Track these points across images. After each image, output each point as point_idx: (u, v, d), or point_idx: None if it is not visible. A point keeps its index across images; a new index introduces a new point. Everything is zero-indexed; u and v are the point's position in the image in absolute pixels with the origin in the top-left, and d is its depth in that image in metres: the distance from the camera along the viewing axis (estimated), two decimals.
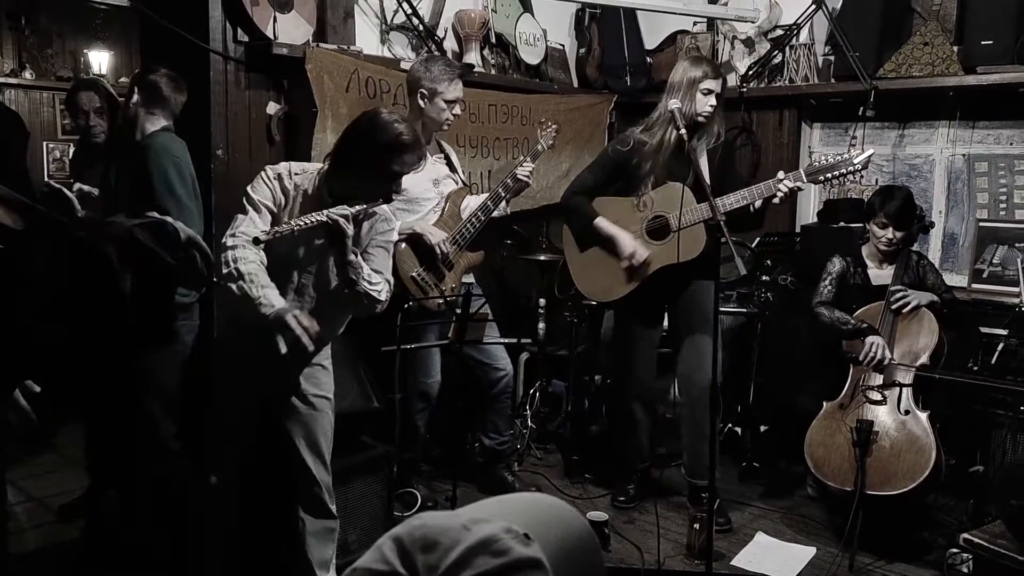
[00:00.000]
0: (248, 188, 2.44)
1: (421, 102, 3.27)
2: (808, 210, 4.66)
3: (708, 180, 3.09)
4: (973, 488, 3.33)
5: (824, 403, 3.38)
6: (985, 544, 2.53)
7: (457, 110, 3.34)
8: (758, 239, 4.21)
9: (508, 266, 4.50)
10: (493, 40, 4.41)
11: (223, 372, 2.63)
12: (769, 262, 4.12)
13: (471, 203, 3.48)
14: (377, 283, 2.46)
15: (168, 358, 2.83)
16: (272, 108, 3.40)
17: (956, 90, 3.99)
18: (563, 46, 4.98)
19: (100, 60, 6.92)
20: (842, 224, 4.10)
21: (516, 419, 4.16)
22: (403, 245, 3.28)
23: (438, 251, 3.28)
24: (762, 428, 4.25)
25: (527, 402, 4.32)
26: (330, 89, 3.40)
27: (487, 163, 4.25)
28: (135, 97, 2.84)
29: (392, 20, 3.90)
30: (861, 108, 4.06)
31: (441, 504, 3.49)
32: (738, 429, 4.13)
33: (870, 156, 3.06)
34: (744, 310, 4.11)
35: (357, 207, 2.35)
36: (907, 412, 3.18)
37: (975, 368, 3.52)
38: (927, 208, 4.15)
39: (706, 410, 3.33)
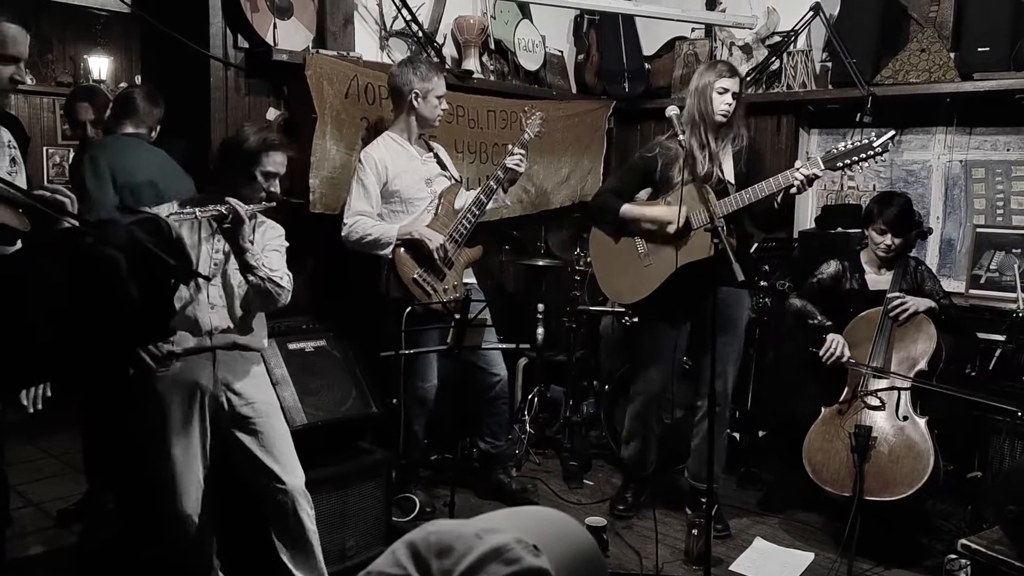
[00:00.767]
0: None
1: (416, 103, 3.32)
2: (806, 216, 4.67)
3: (733, 181, 3.18)
4: (971, 494, 3.33)
5: (823, 408, 3.38)
6: (983, 550, 2.53)
7: (445, 104, 3.41)
8: (756, 245, 4.22)
9: (506, 271, 4.50)
10: (492, 46, 4.42)
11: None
12: (767, 268, 4.13)
13: (465, 199, 3.50)
14: (277, 270, 2.57)
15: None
16: (272, 114, 3.41)
17: (953, 96, 4.00)
18: (562, 52, 4.99)
19: (100, 66, 6.93)
20: (840, 230, 4.11)
21: (515, 424, 4.16)
22: (401, 250, 3.29)
23: (436, 255, 3.29)
24: (760, 434, 4.25)
25: (526, 407, 4.32)
26: (330, 95, 3.41)
27: (486, 169, 4.26)
28: (108, 111, 3.07)
29: (391, 27, 3.91)
30: (859, 114, 4.07)
31: (439, 509, 3.49)
32: (737, 435, 4.13)
33: (891, 137, 3.02)
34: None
35: (249, 206, 2.49)
36: (905, 418, 3.19)
37: (973, 374, 3.52)
38: (924, 214, 4.16)
39: (724, 419, 3.38)
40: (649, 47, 5.04)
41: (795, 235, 4.55)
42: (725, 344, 3.30)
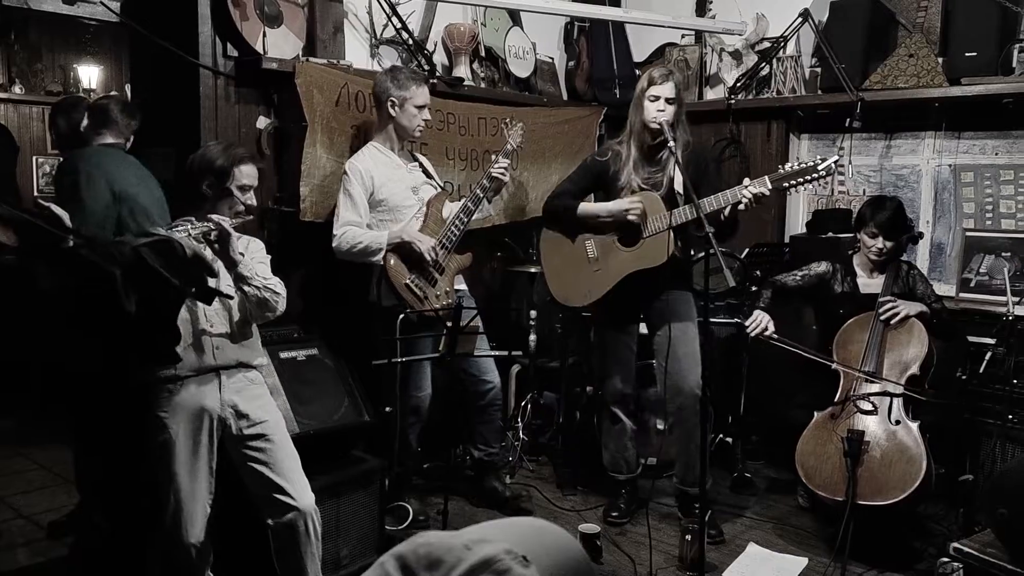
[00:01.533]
0: None
1: (392, 111, 3.32)
2: (797, 221, 4.69)
3: (680, 189, 3.16)
4: (963, 497, 3.34)
5: (815, 413, 3.39)
6: (975, 553, 2.54)
7: (427, 115, 3.40)
8: (747, 250, 4.23)
9: (498, 278, 4.50)
10: (483, 53, 4.43)
11: None
12: (758, 272, 4.14)
13: (452, 207, 3.51)
14: (270, 278, 2.61)
15: None
16: (262, 123, 3.41)
17: (941, 101, 4.03)
18: (552, 59, 5.00)
19: (90, 75, 6.92)
20: (830, 234, 4.13)
21: (508, 431, 4.16)
22: (392, 256, 3.29)
23: (428, 257, 3.30)
24: (753, 438, 4.26)
25: (518, 414, 4.32)
26: (320, 103, 3.41)
27: (477, 176, 4.25)
28: (85, 121, 3.06)
29: (382, 34, 3.92)
30: (848, 119, 4.09)
31: (432, 518, 3.48)
32: (729, 439, 4.13)
33: (834, 162, 3.07)
34: (734, 320, 4.12)
35: (232, 221, 2.51)
36: (898, 422, 3.19)
37: (963, 377, 3.53)
38: (914, 218, 4.18)
39: (695, 418, 3.34)
40: (639, 54, 5.05)
41: (786, 240, 4.56)
42: (681, 343, 3.33)
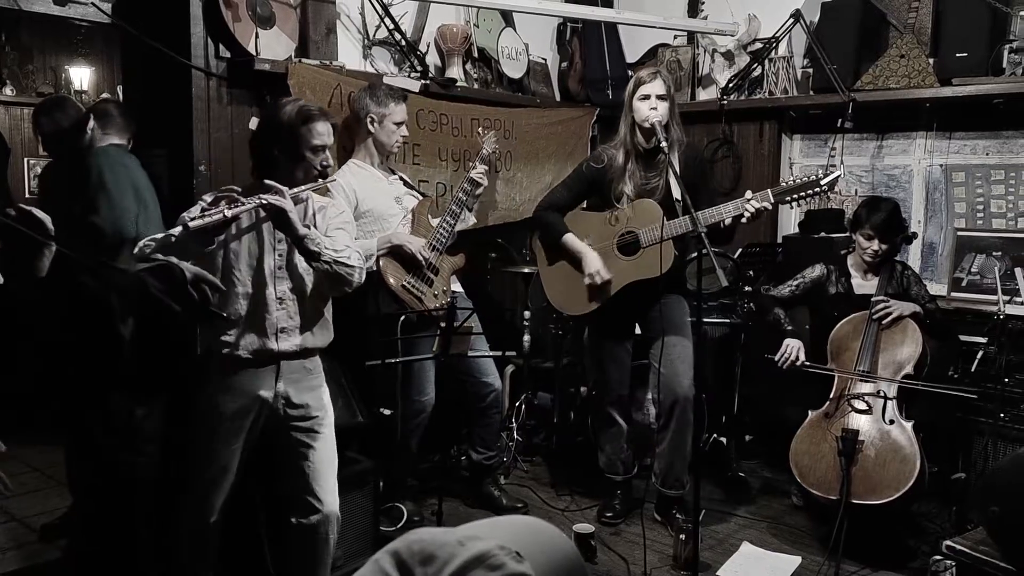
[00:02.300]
0: None
1: (371, 127, 3.37)
2: (790, 221, 4.70)
3: (677, 194, 3.08)
4: (955, 495, 3.36)
5: (809, 412, 3.40)
6: (967, 551, 2.55)
7: (404, 131, 3.45)
8: (740, 250, 4.24)
9: (493, 279, 4.50)
10: (475, 54, 4.43)
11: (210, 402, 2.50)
12: (751, 273, 4.15)
13: (437, 214, 3.56)
14: (343, 250, 2.40)
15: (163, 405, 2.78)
16: (255, 124, 3.39)
17: (932, 102, 4.05)
18: (545, 60, 5.01)
19: (81, 76, 6.89)
20: (823, 234, 4.14)
21: (502, 432, 4.16)
22: (385, 261, 3.30)
23: (420, 257, 3.32)
24: (747, 438, 4.26)
25: (513, 415, 4.32)
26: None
27: None
28: (91, 123, 3.00)
29: (374, 36, 3.91)
30: (840, 120, 4.11)
31: (427, 519, 3.48)
32: (723, 439, 4.14)
33: (837, 177, 3.08)
34: (727, 321, 4.13)
35: (296, 189, 2.34)
36: (892, 422, 3.20)
37: (955, 376, 3.55)
38: (906, 218, 4.18)
39: (687, 420, 3.35)
40: (632, 54, 5.06)
41: (779, 240, 4.58)
42: (675, 346, 3.33)
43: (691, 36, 4.87)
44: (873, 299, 3.43)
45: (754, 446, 4.29)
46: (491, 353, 3.55)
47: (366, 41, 3.91)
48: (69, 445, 3.25)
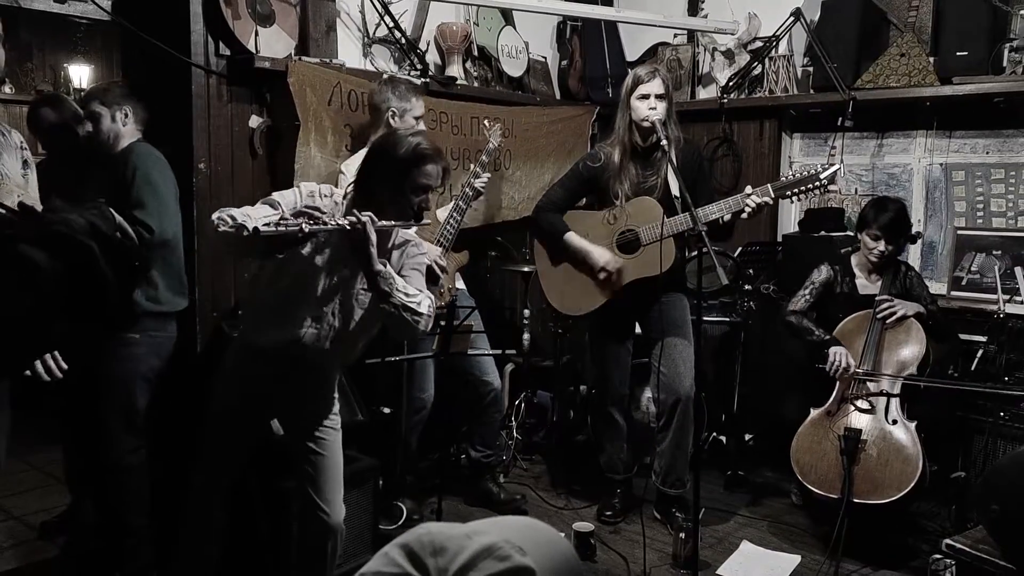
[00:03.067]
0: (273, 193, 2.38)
1: (393, 121, 3.33)
2: (790, 219, 4.70)
3: (677, 192, 3.07)
4: (955, 494, 3.36)
5: (811, 410, 3.40)
6: (967, 550, 2.55)
7: (422, 126, 3.42)
8: (740, 248, 4.24)
9: (492, 277, 4.50)
10: (475, 53, 4.43)
11: (223, 393, 2.49)
12: (751, 271, 4.15)
13: (445, 208, 3.55)
14: (415, 295, 2.27)
15: (125, 369, 2.75)
16: (254, 122, 3.40)
17: (932, 100, 4.04)
18: (545, 58, 5.00)
19: (80, 74, 6.88)
20: (823, 233, 4.14)
21: (502, 430, 4.16)
22: None
23: (436, 267, 3.26)
24: (747, 437, 4.26)
25: (512, 413, 4.32)
26: (312, 102, 3.40)
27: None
28: (120, 112, 2.87)
29: (374, 33, 3.91)
30: (840, 118, 4.10)
31: (427, 517, 3.48)
32: (723, 438, 4.14)
33: (836, 170, 3.08)
34: (727, 319, 4.13)
35: (384, 222, 2.21)
36: (894, 422, 3.20)
37: (955, 375, 3.55)
38: None
39: (688, 420, 3.35)
40: (632, 53, 5.06)
41: (779, 239, 4.58)
42: (676, 346, 3.33)
43: (691, 35, 4.87)
44: (877, 298, 3.43)
45: (754, 445, 4.29)
46: (490, 352, 3.55)
47: (366, 39, 3.91)
48: (66, 436, 3.25)
